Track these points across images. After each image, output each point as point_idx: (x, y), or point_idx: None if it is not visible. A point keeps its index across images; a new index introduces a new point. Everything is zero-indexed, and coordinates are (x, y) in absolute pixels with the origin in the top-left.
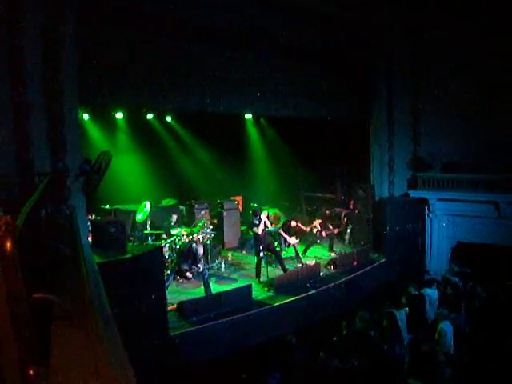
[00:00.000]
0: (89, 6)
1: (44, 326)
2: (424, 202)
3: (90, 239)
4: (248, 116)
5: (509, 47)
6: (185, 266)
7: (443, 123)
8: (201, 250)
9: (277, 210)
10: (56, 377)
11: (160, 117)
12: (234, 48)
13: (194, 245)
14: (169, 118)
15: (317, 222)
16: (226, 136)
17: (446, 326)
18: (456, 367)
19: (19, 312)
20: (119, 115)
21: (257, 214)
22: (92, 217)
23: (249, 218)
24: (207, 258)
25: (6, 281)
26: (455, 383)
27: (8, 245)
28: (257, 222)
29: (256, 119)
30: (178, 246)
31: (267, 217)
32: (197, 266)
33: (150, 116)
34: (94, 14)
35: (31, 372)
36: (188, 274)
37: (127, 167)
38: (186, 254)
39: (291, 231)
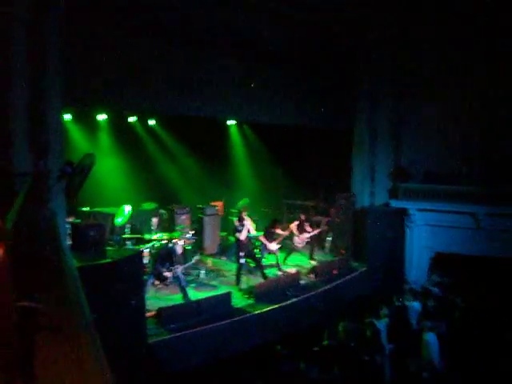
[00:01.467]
0: (74, 9)
1: (29, 336)
2: (404, 211)
3: (69, 242)
4: (231, 122)
5: (493, 58)
6: (163, 268)
7: (424, 135)
8: (179, 251)
9: (247, 200)
10: None
11: (143, 120)
12: (218, 54)
13: (171, 245)
14: (152, 122)
15: (293, 225)
16: (208, 141)
17: (430, 338)
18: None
19: (8, 321)
20: (102, 117)
21: (241, 219)
22: (71, 219)
23: (230, 225)
24: (185, 259)
25: None
26: None
27: (0, 250)
28: (240, 228)
29: (239, 125)
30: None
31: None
32: (174, 266)
33: (133, 119)
34: (80, 17)
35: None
36: (167, 274)
37: (108, 169)
38: (164, 256)
39: (273, 236)
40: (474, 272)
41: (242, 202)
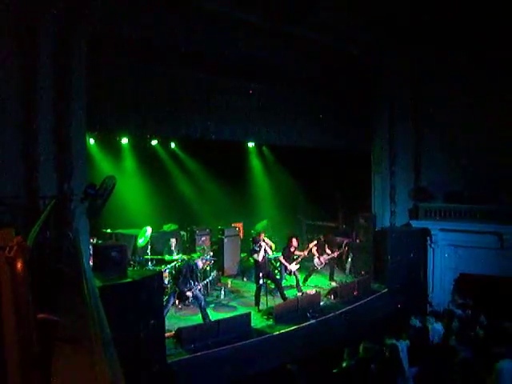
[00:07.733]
0: (97, 37)
1: (46, 347)
2: (426, 232)
3: (91, 263)
4: (250, 144)
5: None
6: (184, 287)
7: (445, 153)
8: (200, 264)
9: (266, 222)
10: None
11: (164, 143)
12: (237, 78)
13: (191, 262)
14: (173, 145)
15: (312, 245)
16: (228, 163)
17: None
18: None
19: (26, 331)
20: (124, 140)
21: (257, 240)
22: (94, 240)
23: (249, 246)
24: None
25: (16, 300)
26: None
27: (19, 265)
28: (257, 249)
29: (258, 147)
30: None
31: (264, 241)
32: (195, 284)
33: (154, 142)
34: (103, 45)
35: None
36: (188, 293)
37: (130, 192)
38: (186, 273)
39: (292, 257)
40: (498, 293)
41: (261, 224)
